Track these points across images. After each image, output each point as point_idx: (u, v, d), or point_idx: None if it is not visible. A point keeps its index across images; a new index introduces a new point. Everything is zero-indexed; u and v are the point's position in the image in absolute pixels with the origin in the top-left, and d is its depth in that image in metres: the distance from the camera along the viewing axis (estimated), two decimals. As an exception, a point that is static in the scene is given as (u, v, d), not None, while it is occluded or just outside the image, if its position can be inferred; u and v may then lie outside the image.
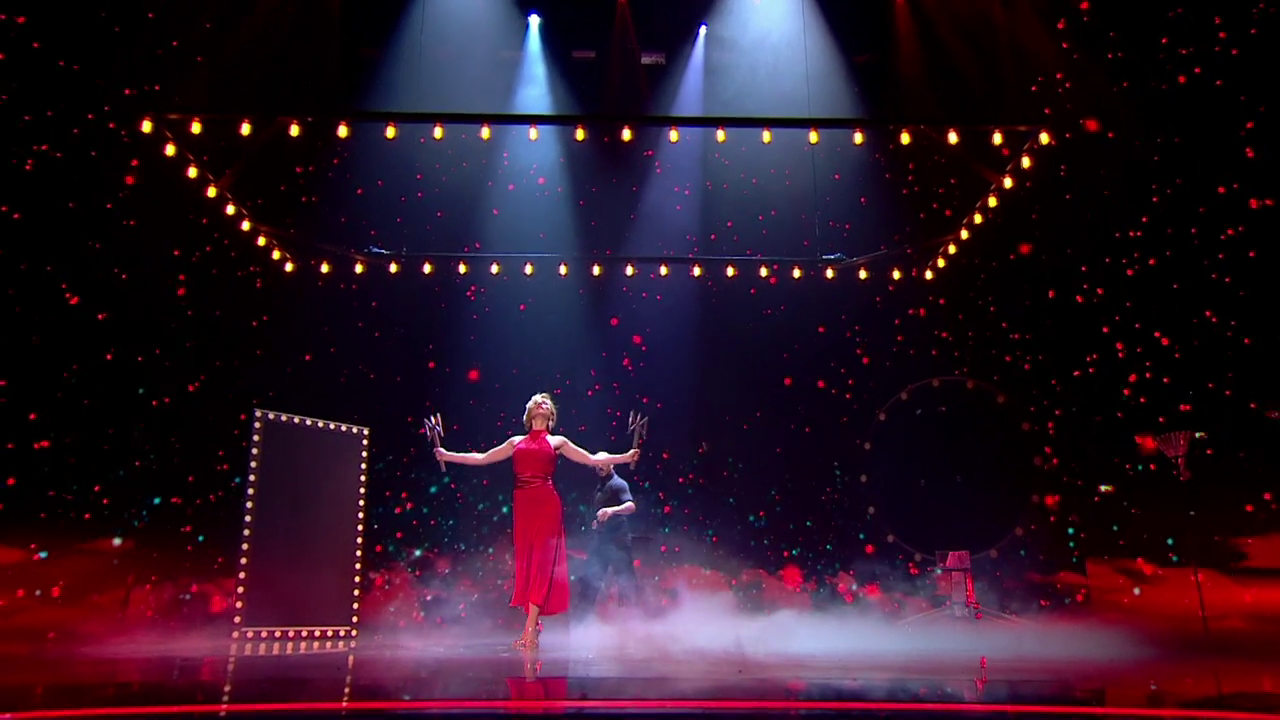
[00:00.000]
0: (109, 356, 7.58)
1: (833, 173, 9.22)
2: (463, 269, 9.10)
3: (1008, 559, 8.78)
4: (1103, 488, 7.33)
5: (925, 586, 8.65)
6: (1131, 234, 7.65)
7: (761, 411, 9.52)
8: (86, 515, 7.32)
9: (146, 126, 7.01)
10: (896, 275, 9.30)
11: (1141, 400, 7.73)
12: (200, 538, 8.16)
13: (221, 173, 7.72)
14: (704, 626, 6.34)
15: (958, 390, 9.43)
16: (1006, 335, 9.12)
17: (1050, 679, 4.36)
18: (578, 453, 6.25)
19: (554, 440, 6.24)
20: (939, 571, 8.33)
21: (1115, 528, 7.98)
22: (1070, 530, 8.64)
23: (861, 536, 9.24)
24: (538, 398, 6.28)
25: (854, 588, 8.86)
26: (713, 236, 9.65)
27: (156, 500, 7.94)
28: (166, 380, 8.03)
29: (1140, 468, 7.74)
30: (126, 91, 7.29)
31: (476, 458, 6.20)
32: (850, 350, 9.58)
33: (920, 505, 9.11)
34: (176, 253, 8.09)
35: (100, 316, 7.42)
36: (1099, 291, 8.05)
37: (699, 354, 9.56)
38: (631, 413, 6.24)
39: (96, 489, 7.39)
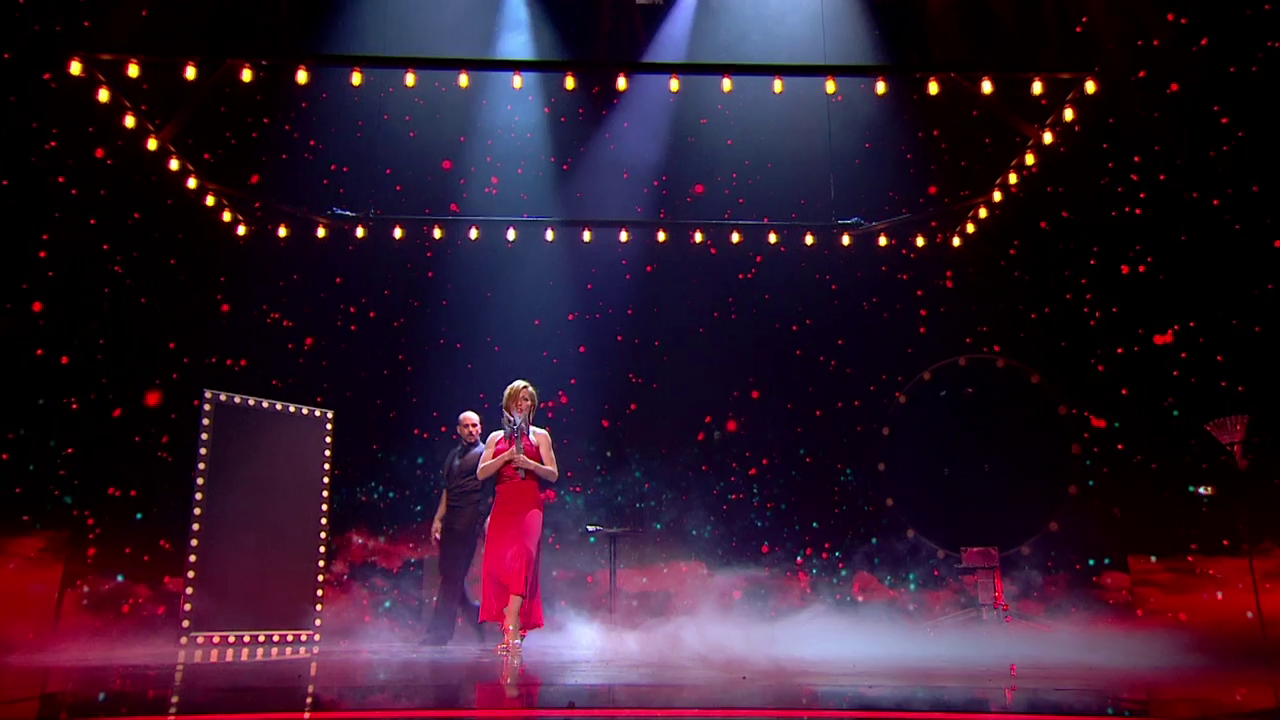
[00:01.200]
0: (33, 331, 7.42)
1: (850, 127, 9.12)
2: (438, 233, 9.04)
3: (1041, 556, 8.76)
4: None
5: (948, 586, 8.64)
6: (1186, 196, 7.52)
7: (768, 393, 9.49)
8: (12, 510, 7.20)
9: (75, 68, 6.82)
10: (920, 242, 9.24)
11: (1193, 381, 7.64)
12: (143, 534, 8.09)
13: (164, 123, 7.55)
14: (704, 629, 6.29)
15: (987, 370, 9.40)
16: (1042, 309, 9.05)
17: (1084, 688, 4.32)
18: (549, 457, 6.14)
19: (538, 433, 6.15)
20: (964, 570, 8.28)
21: (1162, 522, 7.92)
22: (1112, 525, 8.58)
23: (878, 533, 9.23)
24: (518, 384, 6.16)
25: (869, 587, 8.86)
26: (714, 198, 9.55)
27: (92, 493, 7.83)
28: (101, 358, 7.91)
29: (1191, 456, 7.67)
30: (56, 29, 7.12)
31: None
32: (867, 325, 9.54)
33: (944, 497, 9.10)
34: (111, 214, 7.93)
35: (23, 286, 7.25)
36: (1148, 259, 7.93)
37: (699, 329, 9.54)
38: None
39: (23, 482, 7.24)
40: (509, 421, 6.08)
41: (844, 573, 8.99)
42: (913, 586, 8.75)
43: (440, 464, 7.69)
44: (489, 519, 6.25)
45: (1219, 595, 7.37)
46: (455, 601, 7.06)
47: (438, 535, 7.22)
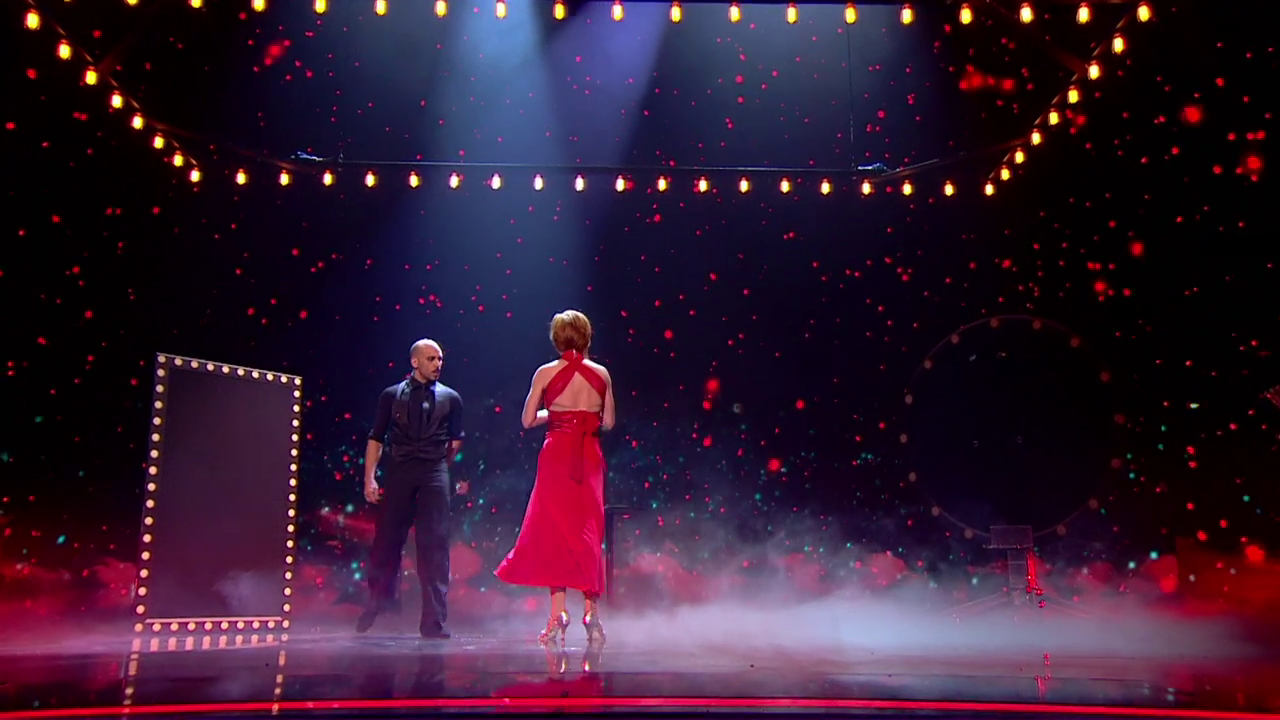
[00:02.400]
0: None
1: (872, 62, 9.02)
2: (414, 181, 8.96)
3: (1079, 536, 8.75)
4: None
5: (976, 568, 8.64)
6: (1250, 136, 7.40)
7: (780, 357, 9.45)
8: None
9: (-4, -11, 6.75)
10: (949, 190, 9.16)
11: (1254, 344, 7.58)
12: (92, 514, 8.06)
13: (103, 54, 7.44)
14: (711, 616, 6.36)
15: (1022, 332, 9.34)
16: (1084, 264, 8.97)
17: (1125, 679, 4.31)
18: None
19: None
20: (994, 551, 8.27)
21: (1213, 501, 7.89)
22: (1158, 503, 8.56)
23: (899, 511, 9.21)
24: (572, 313, 5.89)
25: (890, 569, 8.85)
26: (722, 143, 9.44)
27: (34, 467, 7.79)
28: (42, 319, 7.84)
29: (1245, 428, 7.64)
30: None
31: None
32: (890, 282, 9.49)
33: (972, 471, 9.08)
34: (48, 156, 7.81)
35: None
36: (1204, 209, 7.82)
37: (703, 287, 9.48)
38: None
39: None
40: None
41: (862, 554, 8.98)
42: (937, 569, 8.75)
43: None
44: (541, 471, 5.83)
45: (1275, 581, 7.37)
46: (391, 577, 6.75)
47: (377, 498, 6.70)
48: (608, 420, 5.87)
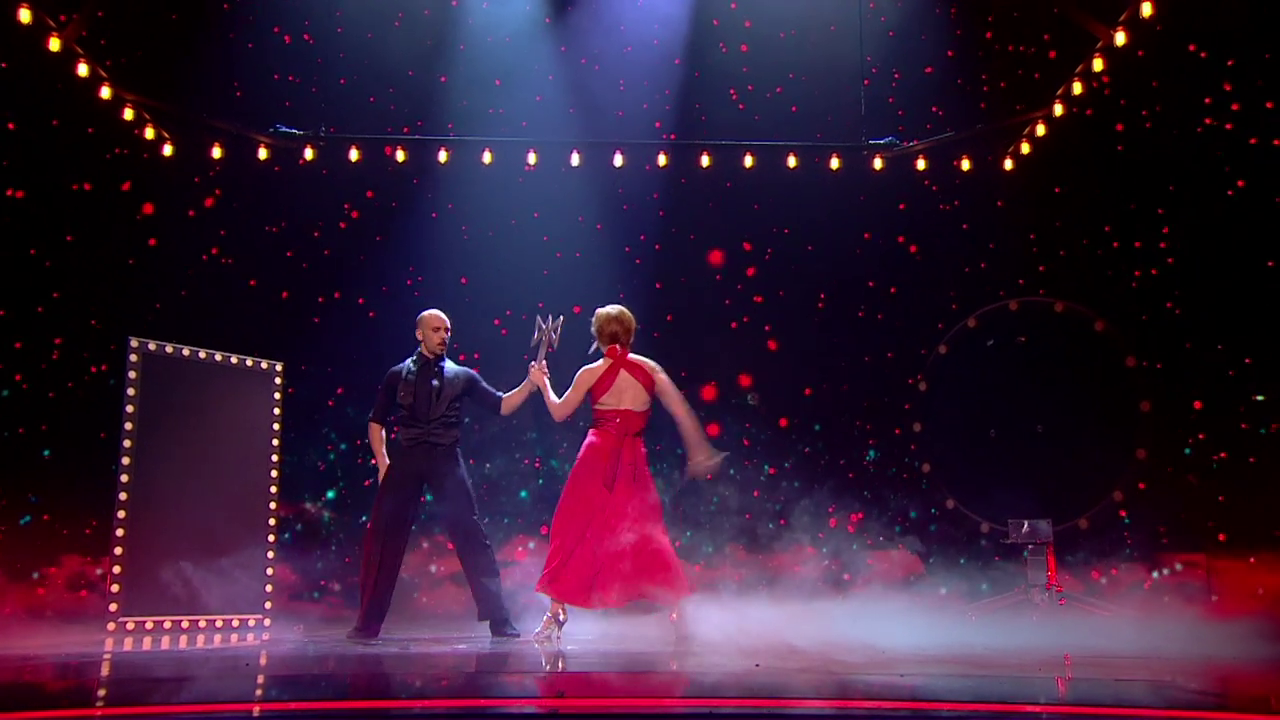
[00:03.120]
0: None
1: (886, 29, 9.00)
2: (400, 156, 8.95)
3: (1102, 530, 8.75)
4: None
5: (993, 564, 8.65)
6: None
7: (787, 343, 9.46)
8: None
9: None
10: (966, 165, 9.17)
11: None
12: (61, 507, 8.06)
13: (68, 20, 7.42)
14: (711, 612, 6.23)
15: (1042, 315, 9.31)
16: (1109, 243, 8.94)
17: (1150, 680, 4.28)
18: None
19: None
20: (1012, 546, 8.25)
21: (1245, 494, 7.88)
22: (1186, 495, 8.52)
23: (912, 503, 9.24)
24: (617, 307, 5.93)
25: (902, 565, 8.86)
26: (725, 116, 9.41)
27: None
28: (3, 301, 7.81)
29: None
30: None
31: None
32: (903, 263, 9.48)
33: (989, 462, 9.07)
34: (11, 126, 7.76)
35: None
36: (1239, 184, 7.77)
37: (705, 267, 9.48)
38: (541, 317, 6.04)
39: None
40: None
41: (873, 548, 8.99)
42: (952, 564, 8.75)
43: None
44: (579, 470, 5.77)
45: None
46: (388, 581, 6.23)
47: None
48: (679, 412, 5.87)
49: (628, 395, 5.76)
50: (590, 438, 5.81)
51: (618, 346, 5.83)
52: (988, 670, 4.58)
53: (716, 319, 9.44)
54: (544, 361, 6.08)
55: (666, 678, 4.26)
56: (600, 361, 5.83)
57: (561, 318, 6.14)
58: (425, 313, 6.39)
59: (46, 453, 8.07)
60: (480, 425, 8.93)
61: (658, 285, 9.47)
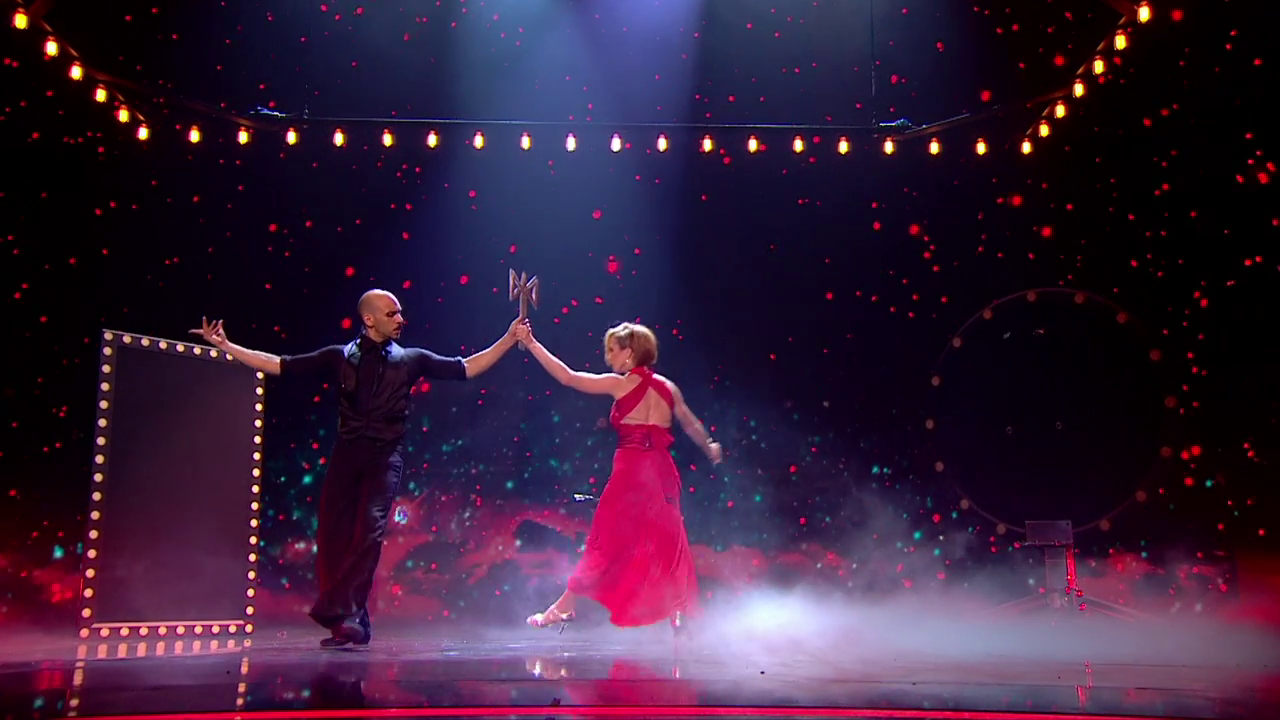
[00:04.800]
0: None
1: (898, 7, 9.00)
2: (388, 140, 8.96)
3: (1124, 532, 8.76)
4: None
5: (1010, 567, 8.66)
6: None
7: (794, 335, 9.48)
8: None
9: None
10: (982, 149, 9.16)
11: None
12: (31, 507, 8.06)
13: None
14: (717, 617, 6.37)
15: (1062, 306, 9.33)
16: (1133, 231, 8.95)
17: (1174, 688, 4.31)
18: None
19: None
20: (1029, 548, 8.30)
21: (1275, 494, 7.90)
22: (1212, 496, 8.58)
23: (925, 504, 9.25)
24: (645, 327, 6.22)
25: (915, 567, 8.82)
26: (729, 98, 9.44)
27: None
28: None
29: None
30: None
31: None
32: (915, 252, 9.50)
33: (1006, 461, 9.11)
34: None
35: None
36: (1269, 167, 7.78)
37: (710, 257, 9.51)
38: (513, 273, 6.13)
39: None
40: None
41: (884, 550, 8.99)
42: (966, 567, 8.76)
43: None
44: (624, 482, 5.98)
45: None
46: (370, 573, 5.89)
47: (211, 334, 6.07)
48: (693, 426, 6.32)
49: (655, 412, 6.11)
50: (626, 451, 6.11)
51: (645, 367, 6.17)
52: (1005, 677, 4.59)
53: (722, 309, 9.46)
54: (528, 322, 6.10)
55: (672, 684, 4.28)
56: (628, 377, 6.12)
57: (535, 278, 6.17)
58: (372, 293, 6.05)
59: (19, 459, 8.05)
60: (479, 425, 8.97)
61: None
